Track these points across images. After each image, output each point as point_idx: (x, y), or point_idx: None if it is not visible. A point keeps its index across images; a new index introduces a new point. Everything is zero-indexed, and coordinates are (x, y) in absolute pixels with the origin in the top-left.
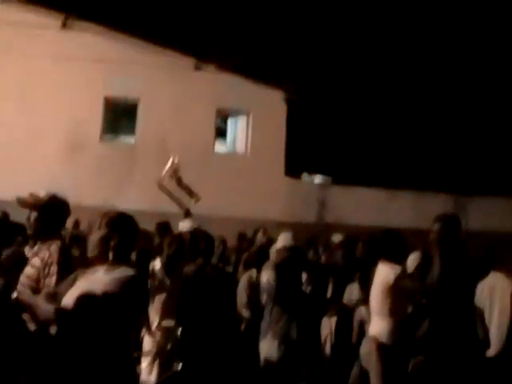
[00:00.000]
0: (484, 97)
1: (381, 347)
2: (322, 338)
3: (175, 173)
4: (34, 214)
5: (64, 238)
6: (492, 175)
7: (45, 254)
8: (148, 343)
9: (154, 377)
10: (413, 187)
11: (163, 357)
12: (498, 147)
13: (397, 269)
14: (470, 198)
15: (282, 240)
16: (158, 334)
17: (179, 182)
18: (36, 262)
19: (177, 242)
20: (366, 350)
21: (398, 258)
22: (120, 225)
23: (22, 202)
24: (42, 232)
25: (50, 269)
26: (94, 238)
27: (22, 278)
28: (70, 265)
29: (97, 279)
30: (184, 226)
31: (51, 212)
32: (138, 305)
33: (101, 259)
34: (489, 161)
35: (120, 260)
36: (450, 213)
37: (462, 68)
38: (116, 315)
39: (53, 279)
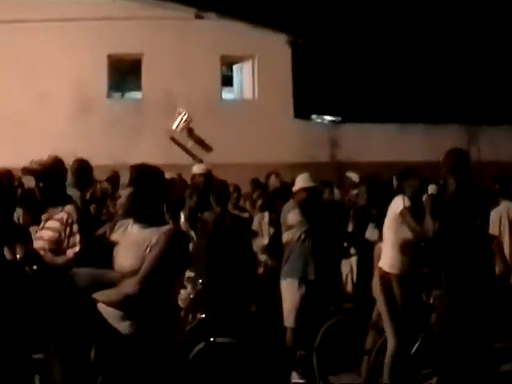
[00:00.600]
0: (494, 26)
1: (384, 276)
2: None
3: (187, 125)
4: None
5: (73, 200)
6: (503, 104)
7: (63, 215)
8: None
9: None
10: (423, 120)
11: (188, 307)
12: (509, 75)
13: (407, 201)
14: (482, 128)
15: (301, 182)
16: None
17: (191, 133)
18: (53, 224)
19: (197, 193)
20: (373, 281)
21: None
22: (148, 179)
23: (25, 171)
24: (50, 196)
25: (72, 228)
26: (122, 195)
27: (40, 243)
28: (89, 223)
29: (140, 236)
30: (198, 168)
31: (55, 176)
32: (184, 258)
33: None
34: (499, 89)
35: (154, 214)
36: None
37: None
38: (169, 270)
39: (77, 237)
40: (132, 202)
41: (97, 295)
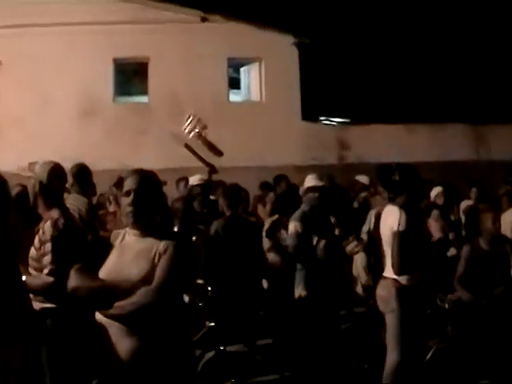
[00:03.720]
0: (499, 24)
1: (401, 290)
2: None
3: (203, 130)
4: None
5: (66, 209)
6: (510, 102)
7: (40, 231)
8: None
9: None
10: (431, 120)
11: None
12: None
13: (403, 221)
14: (490, 127)
15: (309, 182)
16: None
17: (204, 139)
18: (36, 239)
19: (183, 203)
20: (384, 293)
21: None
22: (151, 185)
23: (20, 175)
24: (42, 204)
25: (45, 247)
26: (127, 202)
27: (30, 260)
28: (71, 237)
29: (144, 244)
30: (193, 179)
31: (48, 183)
32: (195, 266)
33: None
34: (505, 88)
35: (155, 222)
36: None
37: None
38: (182, 278)
39: (48, 257)
40: (140, 210)
41: (110, 310)
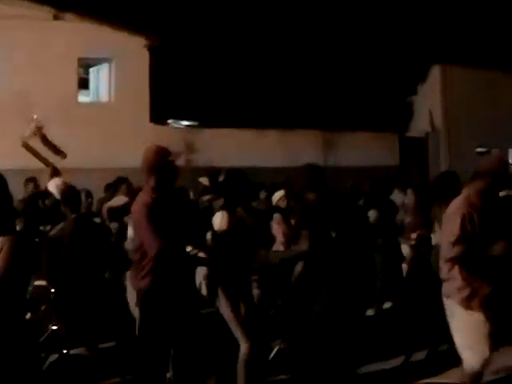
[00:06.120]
0: (348, 31)
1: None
2: None
3: (39, 130)
4: None
5: None
6: (360, 110)
7: None
8: None
9: None
10: (281, 125)
11: (37, 317)
12: (361, 81)
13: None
14: (338, 133)
15: None
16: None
17: (44, 139)
18: None
19: (25, 204)
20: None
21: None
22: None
23: None
24: None
25: None
26: None
27: None
28: None
29: None
30: (50, 185)
31: None
32: (30, 264)
33: None
34: (355, 95)
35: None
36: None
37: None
38: (14, 278)
39: None
40: None
41: None
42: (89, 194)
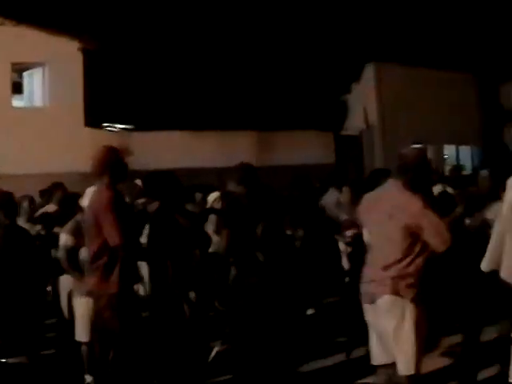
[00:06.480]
0: (278, 33)
1: None
2: None
3: None
4: None
5: None
6: (297, 109)
7: None
8: None
9: None
10: (218, 127)
11: None
12: (295, 81)
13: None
14: (274, 133)
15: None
16: None
17: None
18: None
19: None
20: None
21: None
22: None
23: None
24: None
25: None
26: None
27: None
28: None
29: None
30: None
31: None
32: None
33: None
34: (290, 96)
35: None
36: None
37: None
38: None
39: None
40: None
41: None
42: (32, 201)
